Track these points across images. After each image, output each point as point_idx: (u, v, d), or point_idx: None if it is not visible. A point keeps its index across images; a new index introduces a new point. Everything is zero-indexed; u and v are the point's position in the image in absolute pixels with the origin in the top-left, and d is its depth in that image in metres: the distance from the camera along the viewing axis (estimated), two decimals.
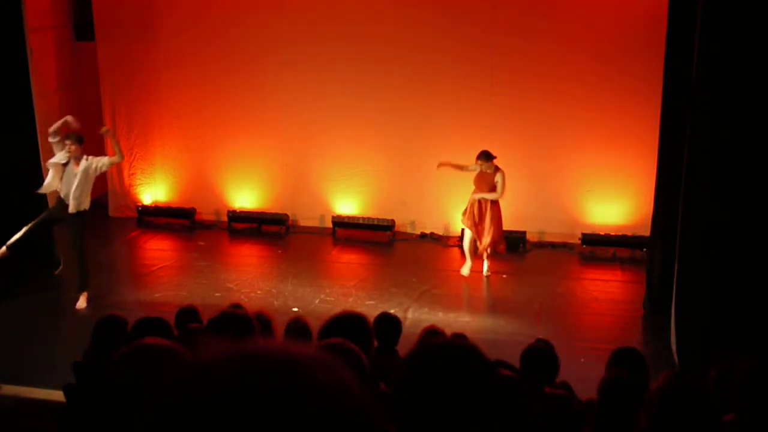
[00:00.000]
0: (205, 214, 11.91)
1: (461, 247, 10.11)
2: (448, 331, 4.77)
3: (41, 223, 8.73)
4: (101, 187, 11.26)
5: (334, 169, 11.45)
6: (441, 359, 1.77)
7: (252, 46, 11.30)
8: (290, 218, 11.64)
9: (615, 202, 10.74)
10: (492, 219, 9.40)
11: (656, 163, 8.67)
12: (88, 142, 8.82)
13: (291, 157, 11.55)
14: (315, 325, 4.40)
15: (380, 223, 11.28)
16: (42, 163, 9.53)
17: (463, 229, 9.90)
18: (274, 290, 9.38)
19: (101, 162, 8.75)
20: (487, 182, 9.36)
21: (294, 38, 11.12)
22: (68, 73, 12.05)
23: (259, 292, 9.33)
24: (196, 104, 11.67)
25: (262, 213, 11.71)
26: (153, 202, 12.10)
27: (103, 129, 9.75)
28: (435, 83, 10.85)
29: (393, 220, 11.27)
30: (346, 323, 3.98)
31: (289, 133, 11.47)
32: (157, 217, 11.98)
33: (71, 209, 8.54)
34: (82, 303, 8.77)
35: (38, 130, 9.48)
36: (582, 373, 5.79)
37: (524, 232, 10.83)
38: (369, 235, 11.23)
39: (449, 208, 10.81)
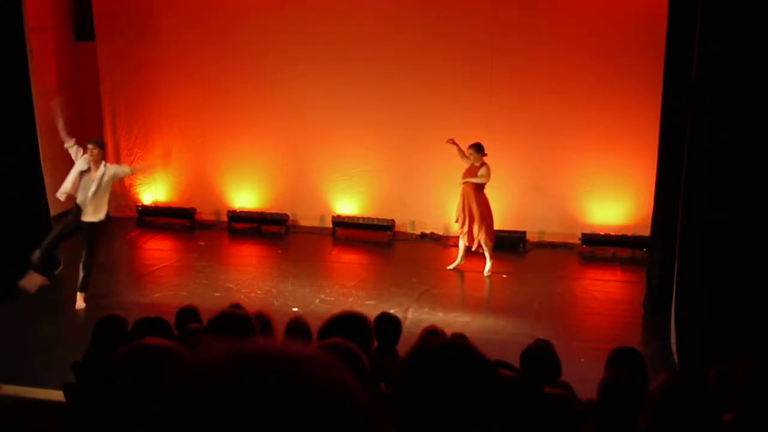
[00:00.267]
0: (205, 214, 11.92)
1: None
2: (448, 331, 4.76)
3: (60, 236, 8.62)
4: None
5: (334, 169, 11.45)
6: (441, 359, 1.77)
7: (252, 47, 11.30)
8: (290, 218, 11.64)
9: (615, 202, 10.73)
10: (479, 209, 9.53)
11: (656, 163, 8.67)
12: (86, 141, 8.79)
13: (291, 157, 11.55)
14: (315, 325, 4.39)
15: (380, 223, 11.28)
16: (42, 164, 9.53)
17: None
18: (274, 290, 9.38)
19: (121, 169, 8.76)
20: (473, 174, 9.62)
21: (294, 38, 11.12)
22: (68, 73, 12.04)
23: (259, 292, 9.33)
24: (196, 104, 11.67)
25: (262, 213, 11.71)
26: (153, 202, 12.10)
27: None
28: (435, 83, 10.86)
29: (393, 220, 11.27)
30: (346, 323, 3.97)
31: (289, 133, 11.47)
32: (157, 217, 11.98)
33: (88, 218, 8.44)
34: (80, 303, 8.77)
35: (38, 130, 9.46)
36: (582, 373, 5.79)
37: (524, 232, 10.83)
38: (369, 235, 11.23)
39: (449, 208, 10.79)
